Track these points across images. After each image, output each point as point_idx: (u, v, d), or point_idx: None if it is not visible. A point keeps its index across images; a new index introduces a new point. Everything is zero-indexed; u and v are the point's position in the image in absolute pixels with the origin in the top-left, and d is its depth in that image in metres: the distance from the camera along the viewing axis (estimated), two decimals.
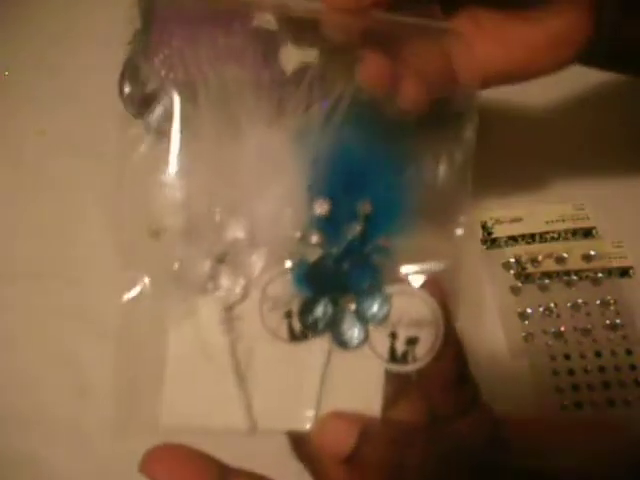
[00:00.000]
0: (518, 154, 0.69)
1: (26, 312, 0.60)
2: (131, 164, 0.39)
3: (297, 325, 0.34)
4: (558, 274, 0.61)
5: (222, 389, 0.34)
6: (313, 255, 0.34)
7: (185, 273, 0.34)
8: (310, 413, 0.34)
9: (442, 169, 0.36)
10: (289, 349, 0.34)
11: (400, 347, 0.33)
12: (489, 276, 0.61)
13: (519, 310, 0.60)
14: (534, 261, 0.62)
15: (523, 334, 0.59)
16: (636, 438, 0.41)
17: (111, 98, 0.63)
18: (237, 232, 0.34)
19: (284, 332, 0.34)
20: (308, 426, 0.33)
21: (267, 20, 0.65)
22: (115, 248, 0.36)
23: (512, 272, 0.61)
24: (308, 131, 0.34)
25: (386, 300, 0.34)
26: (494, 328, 0.59)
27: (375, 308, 0.34)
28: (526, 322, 0.59)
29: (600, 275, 0.61)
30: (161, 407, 0.34)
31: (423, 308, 0.33)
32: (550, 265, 0.61)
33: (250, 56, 0.43)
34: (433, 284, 0.34)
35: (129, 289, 0.36)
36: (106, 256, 0.58)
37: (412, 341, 0.33)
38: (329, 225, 0.34)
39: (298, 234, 0.34)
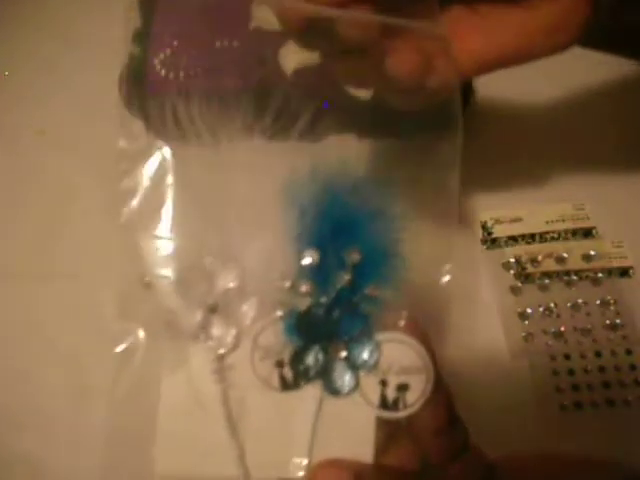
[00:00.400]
0: (518, 154, 0.69)
1: (26, 312, 0.60)
2: (123, 216, 0.39)
3: (288, 374, 0.34)
4: (558, 274, 0.61)
5: (215, 438, 0.34)
6: (303, 304, 0.34)
7: (177, 323, 0.34)
8: (302, 461, 0.34)
9: (427, 218, 0.36)
10: (281, 398, 0.34)
11: (391, 394, 0.34)
12: (489, 276, 0.61)
13: (519, 310, 0.60)
14: (534, 261, 0.62)
15: (523, 334, 0.59)
16: (632, 474, 0.41)
17: (111, 97, 0.63)
18: (228, 282, 0.34)
19: (275, 381, 0.34)
20: (301, 474, 0.34)
21: (265, 20, 0.65)
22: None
23: (512, 272, 0.62)
24: (296, 180, 0.34)
25: (376, 347, 0.34)
26: (494, 328, 0.60)
27: (365, 355, 0.34)
28: (526, 322, 0.59)
29: (600, 275, 0.61)
30: (155, 457, 0.34)
31: (413, 355, 0.33)
32: (550, 265, 0.61)
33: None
34: (412, 325, 0.34)
35: (122, 340, 0.36)
36: (106, 256, 0.59)
37: (403, 388, 0.34)
38: (318, 274, 0.34)
39: (288, 283, 0.34)
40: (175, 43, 0.65)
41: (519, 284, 0.61)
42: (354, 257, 0.34)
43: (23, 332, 0.59)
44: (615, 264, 0.61)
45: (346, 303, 0.34)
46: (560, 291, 0.60)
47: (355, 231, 0.35)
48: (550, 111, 0.71)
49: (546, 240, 0.63)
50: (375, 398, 0.34)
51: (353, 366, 0.34)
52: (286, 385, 0.34)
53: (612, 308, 0.59)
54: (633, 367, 0.57)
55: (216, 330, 0.35)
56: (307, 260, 0.34)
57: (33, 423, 0.55)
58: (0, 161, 0.68)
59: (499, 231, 0.64)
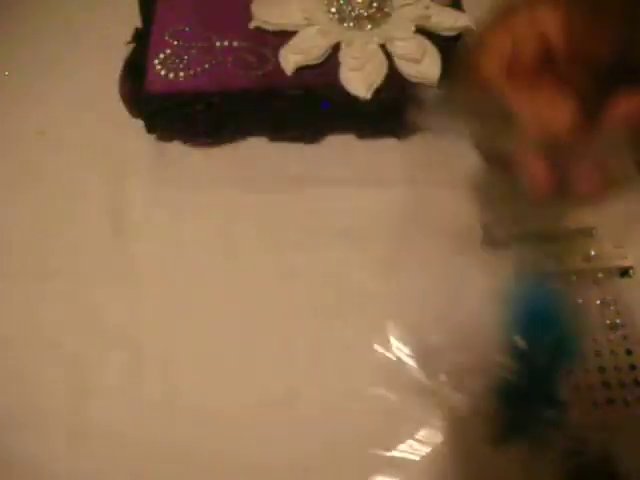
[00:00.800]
0: None
1: (26, 312, 0.60)
2: None
3: (500, 429, 0.44)
4: (558, 274, 0.61)
5: None
6: (512, 376, 0.45)
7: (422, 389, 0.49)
8: None
9: None
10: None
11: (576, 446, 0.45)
12: (489, 276, 0.61)
13: None
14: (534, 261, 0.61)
15: None
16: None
17: (111, 97, 0.63)
18: (457, 356, 0.47)
19: (491, 436, 0.45)
20: None
21: (265, 20, 0.65)
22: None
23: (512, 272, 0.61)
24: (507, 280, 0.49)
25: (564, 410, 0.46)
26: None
27: (557, 415, 0.45)
28: None
29: (600, 275, 0.61)
30: None
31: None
32: (551, 265, 0.61)
33: None
34: None
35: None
36: (106, 254, 0.59)
37: (583, 441, 0.45)
38: (524, 354, 0.45)
39: (501, 359, 0.45)
40: (175, 43, 0.66)
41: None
42: (551, 344, 0.46)
43: (23, 332, 0.59)
44: (615, 264, 0.61)
45: (545, 377, 0.46)
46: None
47: (551, 320, 0.46)
48: None
49: (546, 240, 0.63)
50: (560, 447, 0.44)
51: (549, 423, 0.45)
52: (495, 439, 0.45)
53: (612, 308, 0.59)
54: (633, 367, 0.57)
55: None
56: (516, 343, 0.45)
57: (33, 423, 0.55)
58: (0, 161, 0.68)
59: (499, 231, 0.63)
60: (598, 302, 0.59)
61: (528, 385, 0.45)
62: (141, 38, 0.66)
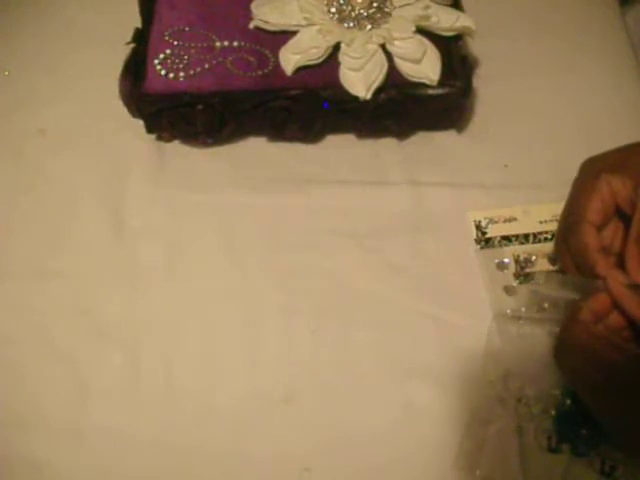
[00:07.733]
0: (514, 153, 0.69)
1: (26, 312, 0.60)
2: None
3: (553, 442, 0.55)
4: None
5: None
6: (563, 406, 0.55)
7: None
8: None
9: None
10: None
11: (606, 468, 0.54)
12: (483, 276, 0.62)
13: (513, 310, 0.60)
14: (528, 261, 0.62)
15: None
16: None
17: (111, 97, 0.63)
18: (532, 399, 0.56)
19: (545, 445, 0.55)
20: None
21: (265, 20, 0.65)
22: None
23: (506, 272, 0.62)
24: None
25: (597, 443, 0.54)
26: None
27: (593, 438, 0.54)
28: (520, 322, 0.60)
29: None
30: None
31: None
32: (544, 265, 0.62)
33: None
34: None
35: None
36: (106, 254, 0.60)
37: (613, 468, 0.53)
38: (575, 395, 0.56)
39: (557, 392, 0.55)
40: (175, 43, 0.66)
41: (513, 284, 0.61)
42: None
43: (23, 332, 0.59)
44: None
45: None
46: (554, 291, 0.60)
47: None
48: (548, 111, 0.72)
49: (540, 241, 0.64)
50: (597, 467, 0.54)
51: (589, 446, 0.54)
52: (551, 449, 0.55)
53: None
54: None
55: None
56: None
57: (33, 422, 0.56)
58: (1, 161, 0.69)
59: (493, 231, 0.64)
60: None
61: (575, 414, 0.55)
62: (141, 38, 0.66)
